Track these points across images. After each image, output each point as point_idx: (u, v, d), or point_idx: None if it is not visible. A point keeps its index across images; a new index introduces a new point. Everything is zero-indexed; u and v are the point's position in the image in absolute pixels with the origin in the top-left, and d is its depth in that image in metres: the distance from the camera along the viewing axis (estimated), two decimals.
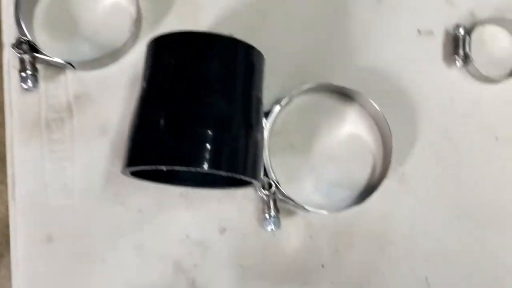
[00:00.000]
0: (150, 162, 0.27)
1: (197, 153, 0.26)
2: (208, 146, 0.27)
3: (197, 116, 0.27)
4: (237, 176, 0.27)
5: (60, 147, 0.34)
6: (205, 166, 0.26)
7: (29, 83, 0.34)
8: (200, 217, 0.34)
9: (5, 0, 0.37)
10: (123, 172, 0.29)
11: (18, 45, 0.34)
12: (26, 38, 0.34)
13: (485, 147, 0.36)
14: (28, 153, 0.34)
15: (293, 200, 0.32)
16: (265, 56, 0.30)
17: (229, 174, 0.27)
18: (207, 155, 0.26)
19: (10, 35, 0.36)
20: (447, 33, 0.37)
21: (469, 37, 0.36)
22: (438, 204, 0.35)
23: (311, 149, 0.35)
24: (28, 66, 0.34)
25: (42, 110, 0.35)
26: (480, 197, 0.35)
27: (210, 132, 0.27)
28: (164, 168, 0.27)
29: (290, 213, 0.34)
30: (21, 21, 0.34)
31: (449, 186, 0.35)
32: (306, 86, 0.34)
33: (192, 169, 0.27)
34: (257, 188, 0.32)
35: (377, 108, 0.33)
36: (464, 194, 0.35)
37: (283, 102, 0.33)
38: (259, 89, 0.30)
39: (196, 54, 0.29)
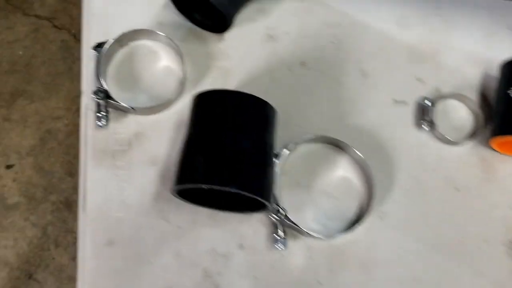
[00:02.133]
0: (192, 181, 0.38)
1: (228, 176, 0.37)
2: (235, 173, 0.37)
3: (229, 150, 0.38)
4: (255, 196, 0.37)
5: (122, 172, 0.46)
6: (233, 186, 0.37)
7: (103, 122, 0.46)
8: (223, 234, 0.44)
9: (84, 59, 0.49)
10: (172, 191, 0.40)
11: (97, 93, 0.46)
12: (103, 88, 0.46)
13: (448, 194, 0.45)
14: (97, 175, 0.45)
15: (298, 226, 0.42)
16: (277, 111, 0.42)
17: (250, 194, 0.37)
18: (235, 179, 0.37)
19: (87, 85, 0.48)
20: (417, 103, 0.49)
21: (434, 107, 0.47)
22: (410, 238, 0.44)
23: (312, 187, 0.45)
24: (103, 109, 0.46)
25: (109, 143, 0.46)
26: (443, 234, 0.44)
27: (238, 163, 0.38)
28: (204, 186, 0.37)
29: (294, 236, 0.43)
30: (100, 76, 0.46)
31: (419, 225, 0.44)
32: (308, 137, 0.45)
33: (225, 188, 0.37)
34: (270, 213, 0.42)
35: (362, 157, 0.44)
36: (431, 231, 0.44)
37: (290, 147, 0.45)
38: (273, 134, 0.42)
39: (228, 107, 0.40)
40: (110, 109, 0.46)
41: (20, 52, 1.46)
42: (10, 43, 1.48)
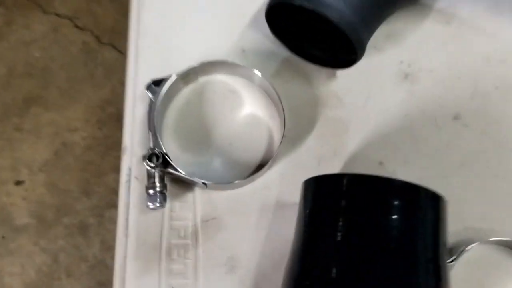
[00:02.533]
0: None
1: None
2: None
3: (377, 278, 0.23)
4: None
5: (181, 281, 0.29)
6: None
7: (157, 202, 0.29)
8: None
9: (129, 99, 0.33)
10: None
11: (150, 158, 0.29)
12: (159, 151, 0.29)
13: None
14: (142, 285, 0.29)
15: None
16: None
17: None
18: None
19: (131, 139, 0.32)
20: None
21: None
22: None
23: None
24: (158, 183, 0.29)
25: (164, 233, 0.30)
26: None
27: None
28: None
29: None
30: (155, 131, 0.30)
31: None
32: (479, 241, 0.29)
33: None
34: None
35: None
36: None
37: (455, 253, 0.28)
38: (445, 243, 0.25)
39: (372, 203, 0.24)
40: (167, 181, 0.30)
41: (37, 54, 1.33)
42: (26, 43, 1.34)
